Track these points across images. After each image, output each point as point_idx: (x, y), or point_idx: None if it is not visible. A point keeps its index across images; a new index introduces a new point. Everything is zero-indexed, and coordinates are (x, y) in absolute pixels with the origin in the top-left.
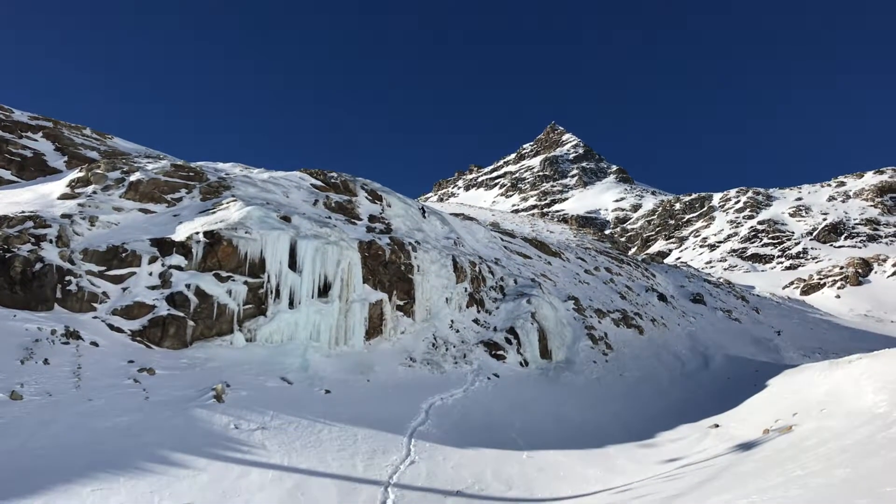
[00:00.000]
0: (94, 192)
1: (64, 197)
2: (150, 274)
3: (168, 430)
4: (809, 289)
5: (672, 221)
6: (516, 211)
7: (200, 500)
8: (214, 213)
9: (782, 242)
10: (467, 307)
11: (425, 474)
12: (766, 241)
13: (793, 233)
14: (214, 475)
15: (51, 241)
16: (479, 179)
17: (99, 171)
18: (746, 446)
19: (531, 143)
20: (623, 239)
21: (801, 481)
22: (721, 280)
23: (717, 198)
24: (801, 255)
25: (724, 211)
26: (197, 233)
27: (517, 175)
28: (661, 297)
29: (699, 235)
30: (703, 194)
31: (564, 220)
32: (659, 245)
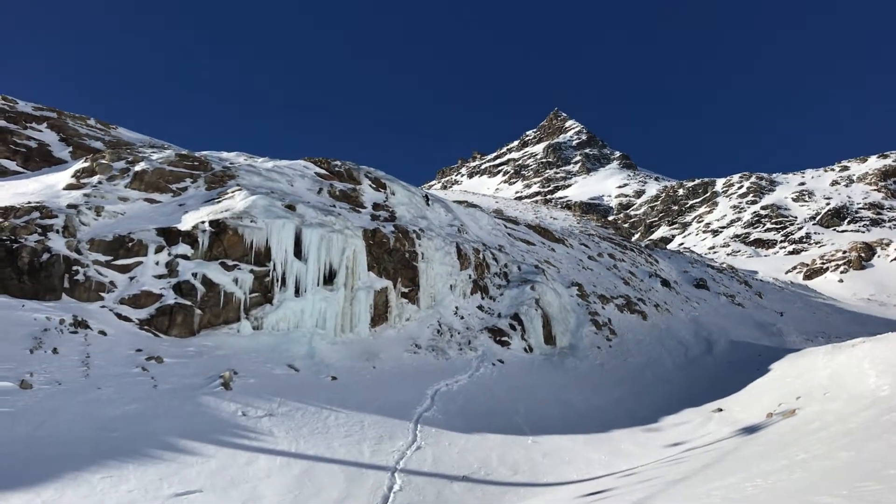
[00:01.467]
0: (100, 183)
1: (69, 187)
2: (157, 263)
3: (176, 418)
4: (812, 273)
5: (675, 207)
6: (520, 198)
7: (209, 487)
8: (220, 202)
9: (785, 227)
10: (471, 294)
11: (431, 460)
12: (769, 226)
13: (796, 217)
14: (223, 462)
15: (57, 232)
16: (483, 167)
17: (104, 161)
18: (750, 430)
19: (534, 130)
20: (626, 225)
21: (805, 464)
22: (724, 265)
23: (720, 183)
24: (804, 240)
25: (727, 196)
26: (203, 222)
27: (520, 162)
28: (665, 283)
29: (702, 221)
30: (706, 180)
31: (568, 206)
32: (662, 231)
